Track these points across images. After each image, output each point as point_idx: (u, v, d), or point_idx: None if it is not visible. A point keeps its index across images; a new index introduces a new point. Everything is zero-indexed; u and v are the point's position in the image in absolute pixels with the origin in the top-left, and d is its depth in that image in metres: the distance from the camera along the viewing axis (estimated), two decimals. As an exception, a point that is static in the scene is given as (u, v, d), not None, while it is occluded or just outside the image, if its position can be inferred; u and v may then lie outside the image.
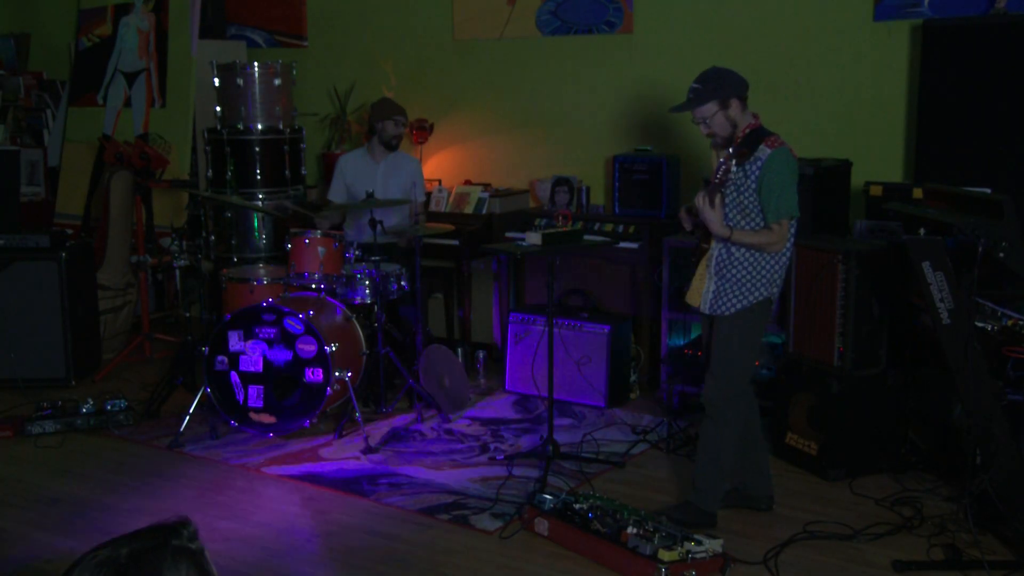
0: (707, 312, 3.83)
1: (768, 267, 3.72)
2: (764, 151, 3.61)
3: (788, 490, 4.21)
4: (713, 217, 3.59)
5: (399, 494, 4.25)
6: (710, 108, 3.68)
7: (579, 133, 6.13)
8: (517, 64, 6.28)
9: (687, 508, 3.87)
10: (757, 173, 3.62)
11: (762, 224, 3.67)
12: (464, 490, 4.28)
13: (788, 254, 3.78)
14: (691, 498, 3.90)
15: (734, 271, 3.73)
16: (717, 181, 3.55)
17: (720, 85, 3.68)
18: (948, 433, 4.25)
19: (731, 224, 3.67)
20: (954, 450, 4.11)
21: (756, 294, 3.74)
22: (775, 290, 3.79)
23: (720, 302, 3.77)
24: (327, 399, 4.80)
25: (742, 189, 3.66)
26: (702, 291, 3.83)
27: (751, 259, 3.71)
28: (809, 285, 4.38)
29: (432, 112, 6.55)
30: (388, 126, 5.68)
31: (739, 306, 3.74)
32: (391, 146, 5.72)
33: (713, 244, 3.78)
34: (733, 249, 3.72)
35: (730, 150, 3.57)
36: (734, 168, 3.57)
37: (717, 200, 3.58)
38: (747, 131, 3.69)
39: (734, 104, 3.69)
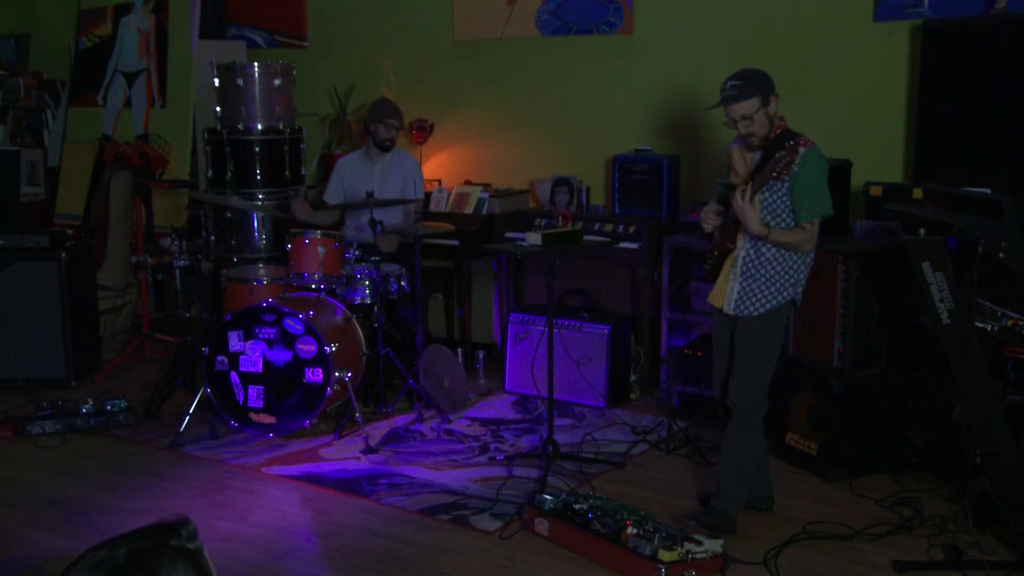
0: (732, 313, 3.79)
1: (795, 267, 3.71)
2: (800, 152, 3.57)
3: (788, 490, 4.21)
4: (752, 215, 3.56)
5: (399, 494, 4.25)
6: (754, 104, 3.62)
7: (579, 133, 6.13)
8: (517, 64, 6.28)
9: (713, 514, 3.84)
10: (791, 172, 3.60)
11: (791, 223, 3.66)
12: (464, 490, 4.28)
13: (813, 254, 3.77)
14: (715, 503, 3.87)
15: (763, 271, 3.70)
16: (775, 176, 3.51)
17: (760, 81, 3.64)
18: (948, 433, 4.25)
19: (764, 223, 3.65)
20: (954, 450, 4.10)
21: (784, 295, 3.72)
22: (799, 290, 3.77)
23: (746, 303, 3.75)
24: (327, 399, 4.80)
25: (774, 189, 3.63)
26: (726, 292, 3.81)
27: (780, 259, 3.69)
28: (809, 285, 4.37)
29: (432, 112, 6.55)
30: (380, 129, 5.68)
31: (767, 307, 3.72)
32: (384, 147, 5.73)
33: (740, 244, 3.75)
34: (763, 249, 3.69)
35: (790, 143, 3.52)
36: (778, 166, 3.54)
37: (757, 198, 3.56)
38: (778, 131, 3.67)
39: (773, 102, 3.66)
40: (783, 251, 3.68)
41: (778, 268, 3.70)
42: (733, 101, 3.63)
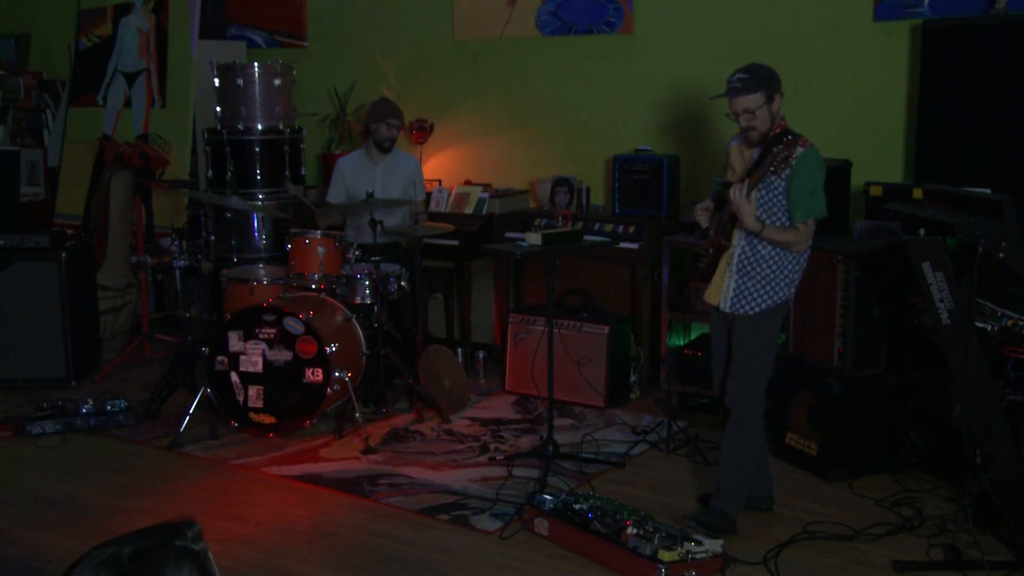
0: (727, 311, 3.79)
1: (790, 267, 3.71)
2: (797, 151, 3.58)
3: (788, 490, 4.21)
4: (748, 211, 3.55)
5: (399, 494, 4.24)
6: (758, 99, 3.61)
7: (579, 133, 6.13)
8: (517, 64, 6.28)
9: (713, 514, 3.84)
10: (788, 172, 3.59)
11: (786, 222, 3.66)
12: (464, 490, 4.28)
13: (807, 255, 3.76)
14: (716, 503, 3.87)
15: (758, 269, 3.70)
16: (772, 171, 3.51)
17: (767, 77, 3.63)
18: (948, 433, 4.25)
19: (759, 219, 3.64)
20: (954, 450, 4.10)
21: (779, 294, 3.72)
22: (792, 291, 3.76)
23: (742, 301, 3.74)
24: (327, 399, 4.80)
25: (771, 186, 3.63)
26: (721, 289, 3.81)
27: (776, 258, 3.69)
28: (809, 285, 4.38)
29: (432, 112, 6.55)
30: (381, 129, 5.68)
31: (763, 306, 3.71)
32: (384, 148, 5.72)
33: (735, 242, 3.75)
34: (759, 247, 3.69)
35: (788, 137, 3.53)
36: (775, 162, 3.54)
37: (753, 195, 3.56)
38: (778, 130, 3.67)
39: (777, 100, 3.66)
40: (778, 250, 3.68)
41: (773, 267, 3.70)
42: (738, 93, 3.63)
